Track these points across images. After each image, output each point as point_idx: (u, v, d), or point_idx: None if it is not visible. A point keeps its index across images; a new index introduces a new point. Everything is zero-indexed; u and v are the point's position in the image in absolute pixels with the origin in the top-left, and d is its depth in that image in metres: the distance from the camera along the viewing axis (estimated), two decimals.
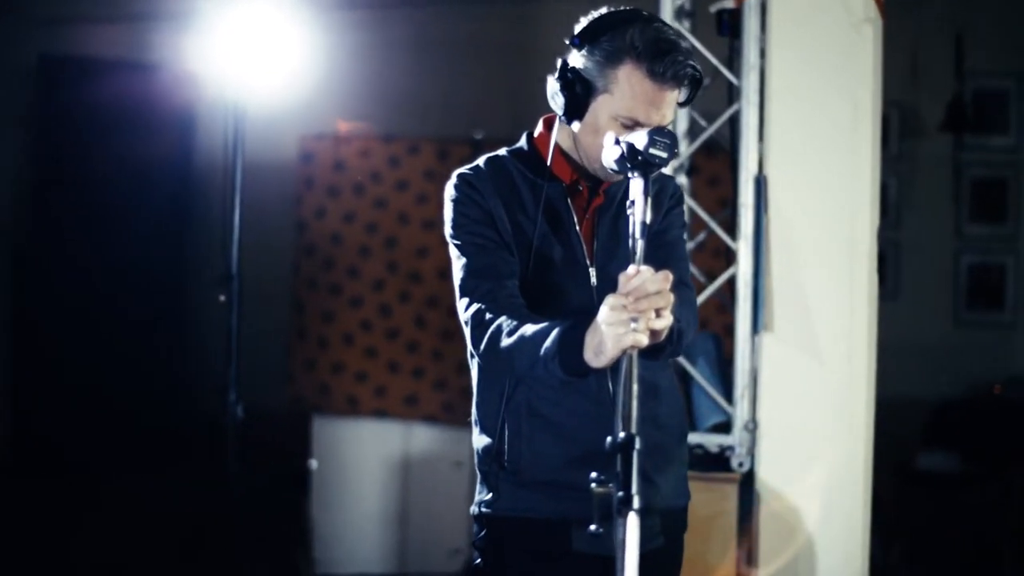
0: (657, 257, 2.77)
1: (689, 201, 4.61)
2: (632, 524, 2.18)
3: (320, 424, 6.89)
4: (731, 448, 4.40)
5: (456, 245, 2.84)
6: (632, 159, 2.49)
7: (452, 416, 6.75)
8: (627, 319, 2.31)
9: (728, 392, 4.43)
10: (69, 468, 7.56)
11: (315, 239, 6.97)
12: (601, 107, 2.70)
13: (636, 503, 2.17)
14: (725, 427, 4.44)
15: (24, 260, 8.04)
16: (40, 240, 7.94)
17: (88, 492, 7.28)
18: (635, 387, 2.26)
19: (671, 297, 2.34)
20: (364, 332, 6.94)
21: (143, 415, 7.73)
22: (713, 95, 4.70)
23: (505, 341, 2.62)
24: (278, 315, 7.17)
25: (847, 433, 4.21)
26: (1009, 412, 7.03)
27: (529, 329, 2.58)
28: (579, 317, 2.52)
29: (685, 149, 4.68)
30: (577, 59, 2.73)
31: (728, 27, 4.53)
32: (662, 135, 2.48)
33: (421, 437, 6.84)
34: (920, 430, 7.07)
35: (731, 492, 4.26)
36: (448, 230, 2.86)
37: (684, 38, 2.72)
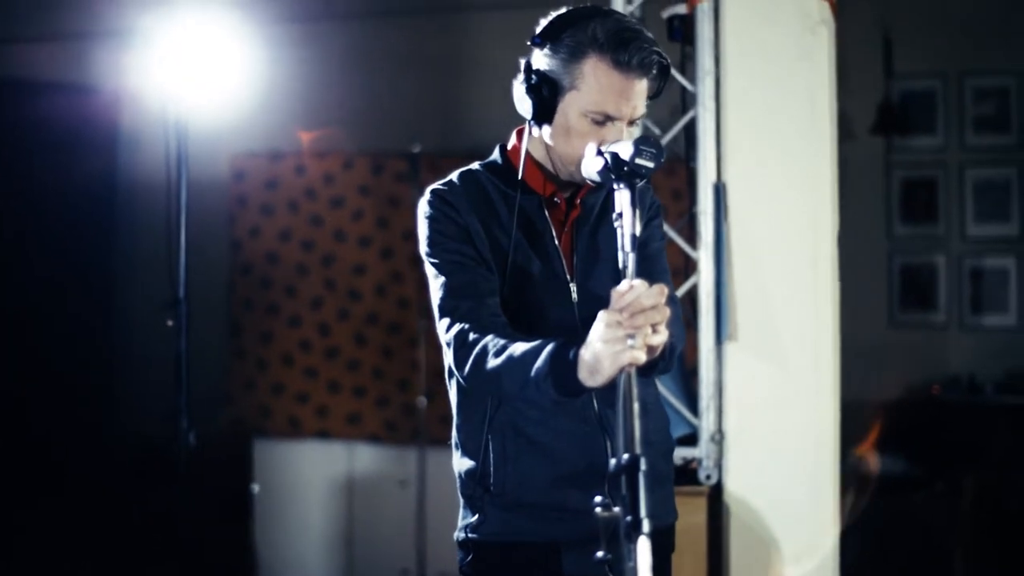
0: (640, 270, 2.71)
1: None
2: (644, 549, 2.09)
3: (261, 447, 6.82)
4: (698, 460, 4.34)
5: (433, 264, 2.73)
6: (617, 170, 2.41)
7: (396, 435, 6.68)
8: (623, 336, 2.22)
9: (693, 403, 4.37)
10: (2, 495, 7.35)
11: (250, 258, 6.89)
12: (570, 105, 2.61)
13: (646, 527, 2.09)
14: (691, 439, 4.37)
15: None
16: None
17: (25, 519, 7.09)
18: (636, 405, 2.18)
19: (667, 311, 2.27)
20: (303, 352, 6.86)
21: (82, 442, 7.53)
22: (664, 104, 4.65)
23: (492, 362, 2.53)
24: (215, 336, 7.02)
25: (815, 441, 4.17)
26: (949, 413, 7.04)
27: (518, 348, 2.49)
28: (564, 335, 2.44)
29: None
30: (540, 59, 2.65)
31: (680, 33, 4.48)
32: (648, 144, 2.41)
33: (365, 457, 6.77)
34: (862, 433, 7.06)
35: (700, 505, 4.18)
36: (424, 248, 2.76)
37: (646, 28, 2.65)
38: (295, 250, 6.86)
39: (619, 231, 2.33)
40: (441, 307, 2.69)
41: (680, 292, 4.38)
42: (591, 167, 2.51)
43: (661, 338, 2.28)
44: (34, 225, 7.54)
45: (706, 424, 4.30)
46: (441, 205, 2.73)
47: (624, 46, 2.55)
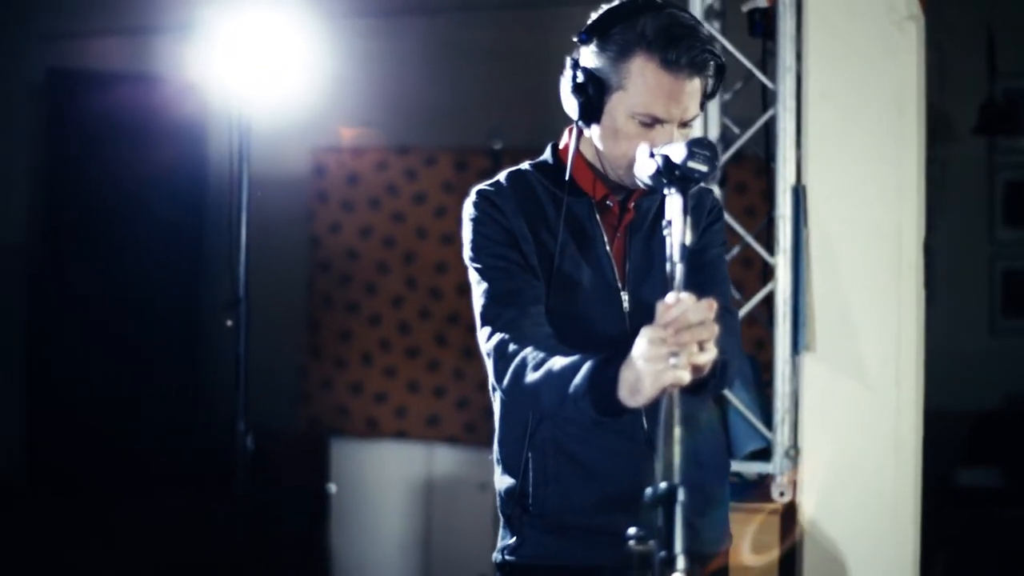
0: (696, 280, 2.55)
1: (725, 215, 4.37)
2: None
3: (338, 446, 6.73)
4: (772, 476, 4.13)
5: (476, 269, 2.59)
6: (668, 174, 2.25)
7: (475, 437, 6.56)
8: (667, 354, 2.05)
9: (767, 417, 4.17)
10: (82, 493, 7.39)
11: (330, 255, 6.82)
12: (617, 106, 2.47)
13: (681, 563, 1.92)
14: (765, 454, 4.19)
15: (36, 281, 7.90)
16: (51, 259, 7.79)
17: (102, 516, 7.12)
18: (677, 430, 2.00)
19: (715, 328, 2.09)
20: (383, 351, 6.79)
21: (157, 440, 7.53)
22: (746, 100, 4.48)
23: (531, 376, 2.38)
24: (292, 334, 6.96)
25: (895, 461, 3.95)
26: None
27: (557, 363, 2.33)
28: (612, 350, 2.27)
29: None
30: (588, 57, 2.51)
31: (761, 28, 4.27)
32: (701, 146, 2.24)
33: (443, 459, 6.65)
34: (958, 444, 6.84)
35: (772, 523, 3.97)
36: (467, 252, 2.62)
37: (701, 24, 2.49)
38: (376, 247, 6.79)
39: (668, 239, 2.15)
40: (483, 315, 2.55)
41: (756, 299, 4.20)
42: (643, 170, 2.35)
43: (708, 357, 2.10)
44: (116, 216, 7.55)
45: (780, 438, 4.10)
46: (487, 207, 2.60)
47: (674, 44, 2.40)
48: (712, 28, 4.32)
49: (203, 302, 7.79)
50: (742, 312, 4.23)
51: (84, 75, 7.83)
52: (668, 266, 2.12)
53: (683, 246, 2.13)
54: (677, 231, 2.15)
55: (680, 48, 2.40)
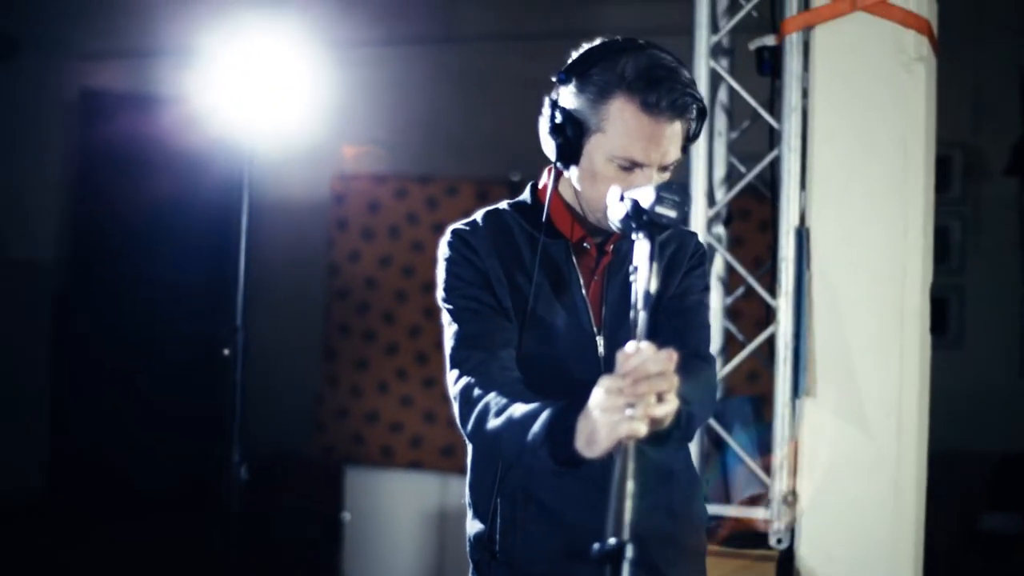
0: (674, 325, 2.51)
1: (725, 255, 4.31)
2: None
3: (353, 475, 6.65)
4: (769, 523, 4.05)
5: (448, 310, 2.55)
6: (637, 218, 2.18)
7: None
8: (623, 405, 1.99)
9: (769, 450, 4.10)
10: (104, 517, 7.37)
11: (348, 282, 6.78)
12: (595, 148, 2.40)
13: None
14: (762, 499, 4.10)
15: (63, 300, 7.90)
16: (80, 276, 7.80)
17: (122, 534, 7.11)
18: (630, 485, 1.94)
19: (675, 380, 2.02)
20: (399, 380, 6.75)
21: (171, 464, 7.52)
22: (753, 137, 4.42)
23: (492, 422, 2.32)
24: (308, 362, 6.95)
25: (895, 510, 3.85)
26: None
27: (518, 410, 2.27)
28: (582, 396, 2.21)
29: (722, 197, 4.35)
30: (567, 97, 2.44)
31: (769, 66, 4.23)
32: (670, 191, 2.16)
33: (457, 489, 6.54)
34: (982, 487, 6.73)
35: (768, 571, 3.92)
36: (440, 293, 2.58)
37: (683, 65, 2.42)
38: (395, 276, 6.76)
39: (633, 286, 2.09)
40: (452, 357, 2.50)
41: (758, 342, 4.13)
42: (615, 213, 2.28)
43: (667, 408, 2.03)
44: (145, 236, 7.56)
45: (778, 484, 4.02)
46: (460, 247, 2.56)
47: (654, 87, 2.33)
48: (719, 66, 4.27)
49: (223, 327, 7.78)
50: (744, 354, 4.17)
51: (115, 96, 7.84)
52: (632, 313, 2.06)
53: (647, 293, 2.07)
54: (643, 278, 2.09)
55: (661, 91, 2.33)
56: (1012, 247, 7.09)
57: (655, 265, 2.10)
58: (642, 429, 1.98)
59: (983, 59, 6.73)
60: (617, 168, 2.38)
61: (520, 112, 6.96)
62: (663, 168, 2.41)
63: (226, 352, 4.15)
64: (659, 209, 2.15)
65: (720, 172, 4.38)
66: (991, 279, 7.09)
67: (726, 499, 4.15)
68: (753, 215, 5.90)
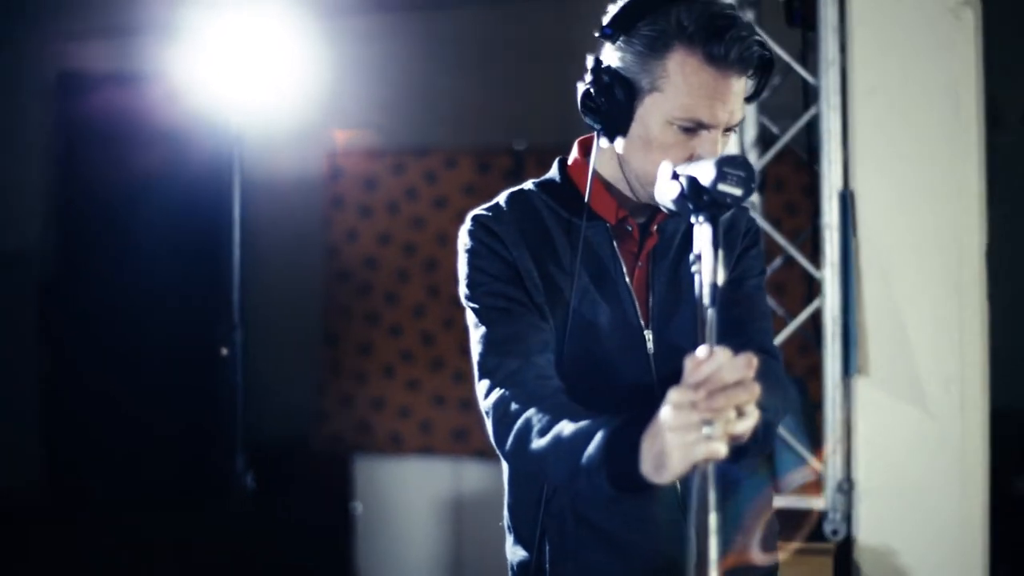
0: (734, 316, 2.21)
1: (762, 224, 4.04)
2: None
3: (362, 464, 6.47)
4: (823, 513, 3.85)
5: (473, 309, 2.23)
6: (695, 199, 1.88)
7: None
8: (698, 423, 1.68)
9: (817, 446, 3.90)
10: (99, 512, 7.16)
11: (347, 264, 6.52)
12: (650, 111, 2.10)
13: None
14: (815, 487, 3.90)
15: (50, 291, 7.66)
16: (66, 267, 7.56)
17: (120, 536, 6.88)
18: (712, 517, 1.68)
19: (756, 389, 1.71)
20: (405, 363, 6.52)
21: (173, 457, 7.29)
22: (786, 96, 4.19)
23: (536, 443, 2.02)
24: (308, 349, 6.70)
25: (961, 494, 3.66)
26: None
27: (567, 428, 1.97)
28: (634, 405, 1.93)
29: (754, 161, 4.13)
30: (611, 55, 2.14)
31: (800, 17, 3.99)
32: (734, 166, 1.86)
33: (472, 474, 6.40)
34: (1019, 447, 6.48)
35: (825, 565, 3.71)
36: (463, 290, 2.25)
37: (740, 12, 2.12)
38: (395, 254, 6.50)
39: (697, 278, 1.78)
40: (480, 366, 2.19)
41: (802, 317, 3.86)
42: (666, 193, 1.98)
43: (748, 423, 1.74)
44: (129, 221, 7.33)
45: (832, 471, 3.82)
46: (484, 236, 2.25)
47: (719, 36, 2.03)
48: (745, 17, 3.99)
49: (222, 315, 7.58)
50: (786, 332, 3.91)
51: (96, 77, 7.58)
52: (699, 310, 1.76)
53: (714, 287, 1.77)
54: (707, 269, 1.78)
55: (726, 40, 2.03)
56: None
57: (721, 252, 1.79)
58: (722, 450, 1.69)
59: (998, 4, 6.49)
60: (677, 132, 2.08)
61: (520, 77, 6.74)
62: (727, 130, 2.11)
63: (224, 352, 3.83)
64: (722, 187, 1.86)
65: (751, 134, 4.14)
66: (1012, 242, 6.85)
67: (776, 488, 3.91)
68: (792, 176, 5.63)
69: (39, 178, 7.78)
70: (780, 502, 3.87)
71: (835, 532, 3.80)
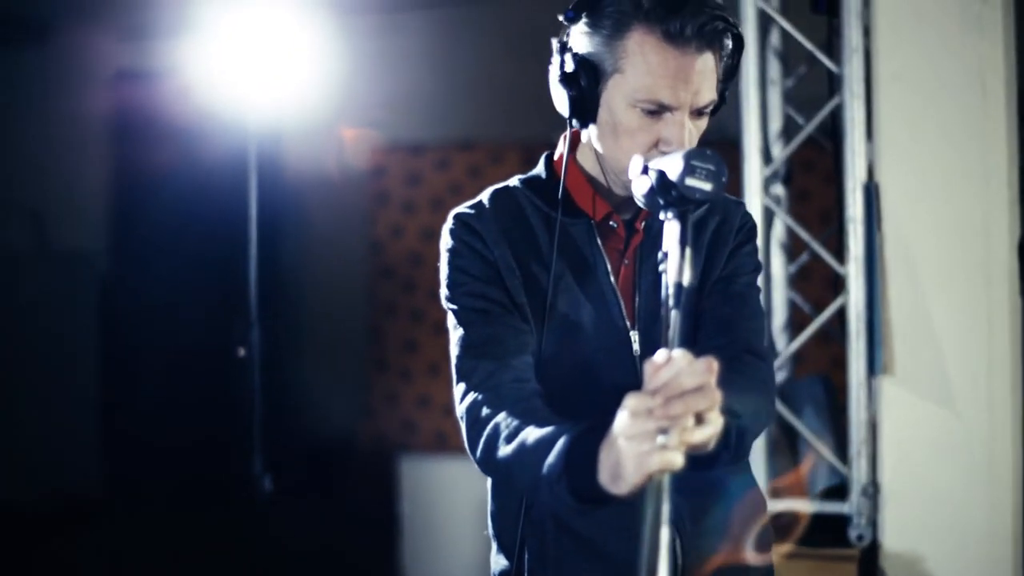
0: (721, 314, 2.14)
1: (785, 218, 3.94)
2: None
3: (408, 463, 6.44)
4: (848, 517, 3.77)
5: (453, 311, 2.15)
6: (664, 193, 1.79)
7: None
8: (654, 431, 1.59)
9: (842, 448, 3.80)
10: (159, 511, 7.19)
11: (392, 260, 6.48)
12: (613, 94, 2.01)
13: None
14: (840, 491, 3.82)
15: (111, 291, 7.71)
16: (125, 266, 7.60)
17: (177, 531, 6.91)
18: (665, 533, 1.61)
19: (717, 395, 1.61)
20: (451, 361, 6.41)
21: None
22: (812, 86, 4.12)
23: (503, 449, 1.94)
24: (353, 347, 6.68)
25: (990, 497, 3.57)
26: None
27: (531, 435, 1.89)
28: (597, 418, 1.80)
29: (779, 153, 3.98)
30: (577, 38, 2.05)
31: (825, 4, 3.91)
32: (703, 159, 1.77)
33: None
34: None
35: (850, 571, 3.67)
36: (443, 291, 2.17)
37: None
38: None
39: (663, 278, 1.69)
40: (457, 368, 2.11)
41: (827, 314, 3.76)
42: (638, 187, 1.88)
43: (708, 432, 1.64)
44: (185, 219, 7.35)
45: (857, 474, 3.74)
46: (464, 234, 2.16)
47: (675, 12, 1.93)
48: (768, 6, 4.00)
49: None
50: (812, 329, 3.82)
51: (149, 75, 7.62)
52: (662, 311, 1.67)
53: (679, 286, 1.67)
54: (673, 267, 1.69)
55: (684, 16, 1.94)
56: None
57: (688, 251, 1.70)
58: (678, 460, 1.59)
59: None
60: (641, 115, 1.98)
61: None
62: (697, 113, 2.00)
63: (241, 352, 3.77)
64: (690, 181, 1.76)
65: (776, 125, 4.08)
66: None
67: (799, 492, 3.85)
68: (817, 167, 5.52)
69: (96, 178, 7.85)
70: (805, 507, 3.83)
71: (860, 537, 3.73)
